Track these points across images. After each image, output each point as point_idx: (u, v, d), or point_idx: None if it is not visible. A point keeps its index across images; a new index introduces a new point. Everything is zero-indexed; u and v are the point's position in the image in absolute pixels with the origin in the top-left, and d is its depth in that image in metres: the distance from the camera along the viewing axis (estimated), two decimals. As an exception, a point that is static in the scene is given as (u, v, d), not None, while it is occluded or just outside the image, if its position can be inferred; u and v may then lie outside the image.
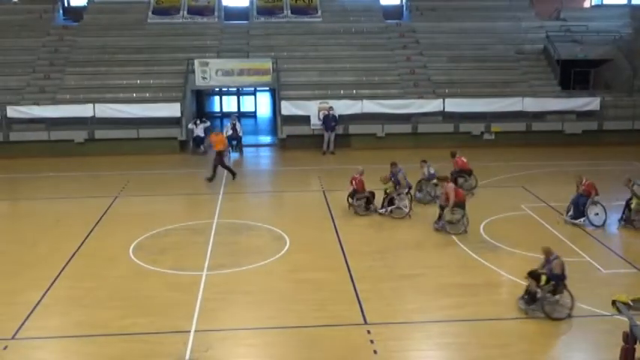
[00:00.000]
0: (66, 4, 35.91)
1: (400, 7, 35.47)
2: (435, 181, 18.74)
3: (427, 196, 18.95)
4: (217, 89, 35.55)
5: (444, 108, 27.34)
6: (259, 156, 27.69)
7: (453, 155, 20.29)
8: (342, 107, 27.01)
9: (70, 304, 12.61)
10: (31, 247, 15.78)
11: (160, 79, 28.86)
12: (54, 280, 13.57)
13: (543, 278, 11.90)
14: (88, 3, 34.00)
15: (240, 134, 27.01)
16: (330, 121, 26.35)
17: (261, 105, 38.27)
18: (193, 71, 28.09)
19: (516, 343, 11.07)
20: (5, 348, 10.87)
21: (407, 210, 17.76)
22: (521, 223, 17.18)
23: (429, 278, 12.97)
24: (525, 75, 29.97)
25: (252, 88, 35.24)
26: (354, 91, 28.40)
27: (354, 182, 17.96)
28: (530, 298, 11.99)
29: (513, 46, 31.53)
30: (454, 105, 27.43)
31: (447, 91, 28.51)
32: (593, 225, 16.59)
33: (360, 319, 11.84)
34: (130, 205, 19.63)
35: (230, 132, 26.73)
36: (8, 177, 23.24)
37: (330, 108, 26.53)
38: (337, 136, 26.66)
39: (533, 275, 12.05)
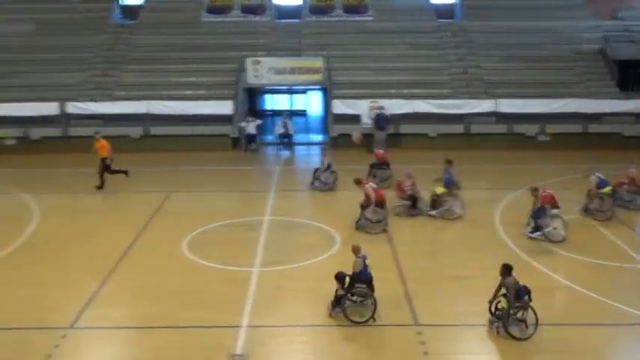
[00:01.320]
0: (123, 3, 36.63)
1: (453, 6, 35.10)
2: (333, 168, 20.54)
3: (324, 185, 20.47)
4: (269, 87, 35.77)
5: (497, 108, 26.97)
6: (310, 154, 27.77)
7: (371, 150, 22.44)
8: (394, 107, 26.91)
9: (126, 296, 12.96)
10: (88, 239, 16.21)
11: (213, 76, 29.20)
12: (110, 273, 13.95)
13: (347, 280, 11.67)
14: (144, 2, 34.65)
15: (292, 132, 27.18)
16: (381, 120, 26.26)
17: (313, 103, 38.37)
18: (245, 69, 28.37)
19: (568, 350, 10.86)
20: (64, 337, 11.23)
21: (459, 211, 17.63)
22: (577, 227, 16.69)
23: (481, 280, 12.81)
24: (582, 76, 29.26)
25: (304, 87, 35.38)
26: (406, 91, 28.24)
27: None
28: (336, 301, 11.77)
29: (569, 45, 30.83)
30: (508, 105, 27.02)
31: (499, 91, 28.09)
32: (550, 240, 15.71)
33: (410, 320, 11.82)
34: (183, 200, 20.00)
35: (282, 130, 26.93)
36: (67, 171, 23.84)
37: (382, 107, 26.45)
38: (388, 136, 26.55)
39: (338, 277, 11.77)
